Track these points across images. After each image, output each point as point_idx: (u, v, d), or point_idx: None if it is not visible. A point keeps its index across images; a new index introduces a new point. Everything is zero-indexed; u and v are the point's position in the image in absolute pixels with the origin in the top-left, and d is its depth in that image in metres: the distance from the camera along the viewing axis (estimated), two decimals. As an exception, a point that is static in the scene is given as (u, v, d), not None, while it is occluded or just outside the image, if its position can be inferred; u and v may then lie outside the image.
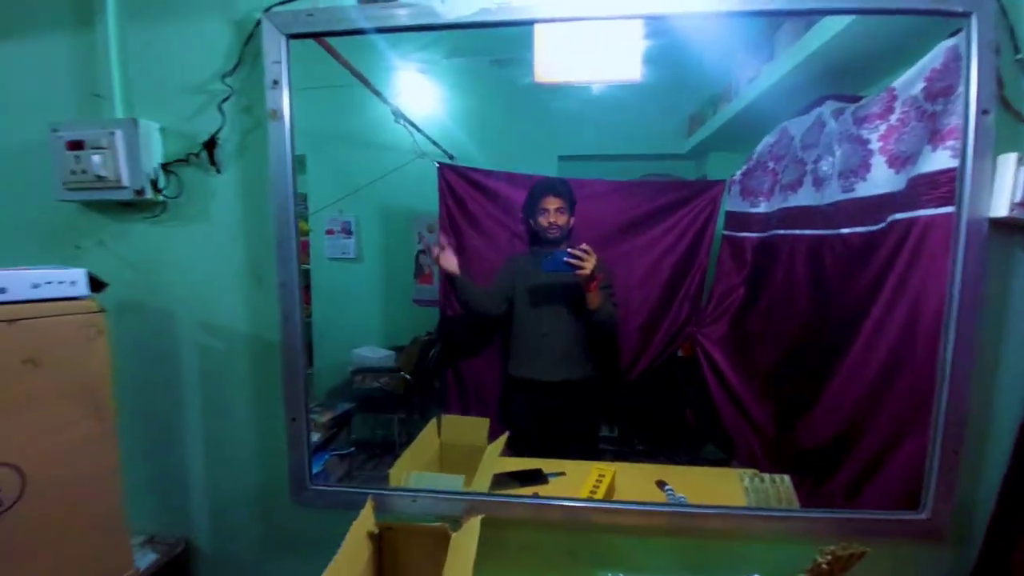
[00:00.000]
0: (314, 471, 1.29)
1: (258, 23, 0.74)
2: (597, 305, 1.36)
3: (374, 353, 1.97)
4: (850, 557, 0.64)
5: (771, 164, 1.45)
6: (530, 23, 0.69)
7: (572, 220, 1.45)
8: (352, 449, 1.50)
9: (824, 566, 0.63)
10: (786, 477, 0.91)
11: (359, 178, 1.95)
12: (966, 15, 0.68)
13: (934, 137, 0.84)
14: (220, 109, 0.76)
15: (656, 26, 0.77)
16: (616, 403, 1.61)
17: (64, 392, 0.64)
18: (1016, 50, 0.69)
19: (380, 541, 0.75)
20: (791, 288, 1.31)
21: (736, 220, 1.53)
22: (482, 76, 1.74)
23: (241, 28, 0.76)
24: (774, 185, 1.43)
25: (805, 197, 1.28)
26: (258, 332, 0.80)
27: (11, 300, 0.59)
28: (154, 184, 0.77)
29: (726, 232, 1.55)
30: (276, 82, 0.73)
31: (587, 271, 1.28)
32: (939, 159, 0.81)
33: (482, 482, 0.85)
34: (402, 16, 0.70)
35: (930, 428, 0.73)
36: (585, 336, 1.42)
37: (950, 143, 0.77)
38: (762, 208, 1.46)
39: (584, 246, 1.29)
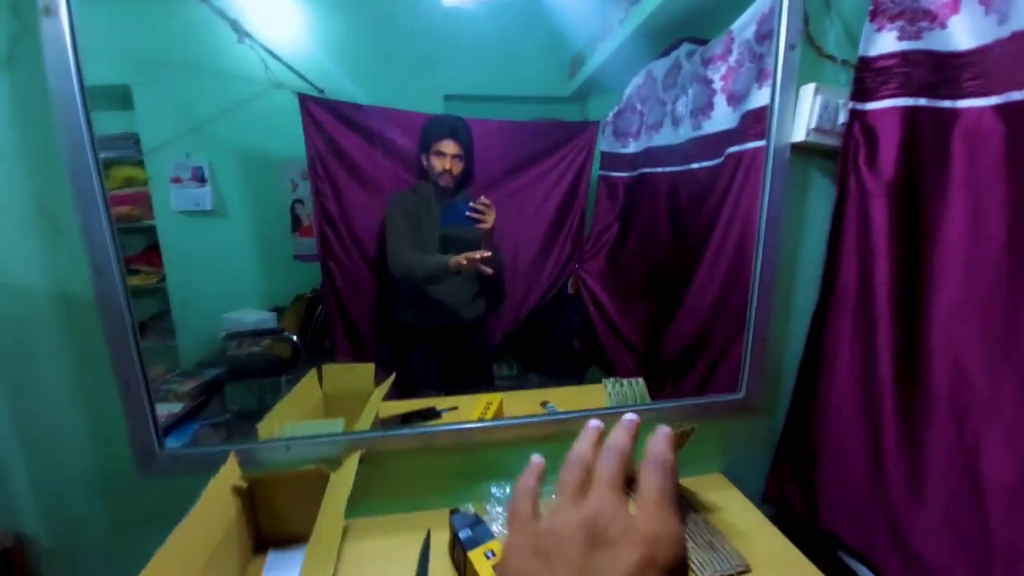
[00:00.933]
0: (182, 443, 1.18)
1: None
2: (496, 261, 1.34)
3: (252, 316, 1.79)
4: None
5: (638, 106, 1.54)
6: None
7: (468, 167, 1.38)
8: (228, 416, 1.38)
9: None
10: (640, 380, 1.04)
11: (206, 115, 1.66)
12: (779, -46, 0.76)
13: (760, 76, 0.94)
14: (-37, 3, 0.58)
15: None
16: (511, 341, 1.67)
17: None
18: (823, -12, 0.78)
19: (251, 495, 0.72)
20: (655, 222, 1.44)
21: (609, 160, 1.62)
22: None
23: None
24: (641, 126, 1.53)
25: (666, 136, 1.38)
26: (64, 289, 0.66)
27: None
28: None
29: (601, 172, 1.63)
30: (40, -34, 0.57)
31: (488, 225, 1.27)
32: (763, 96, 0.91)
33: (366, 424, 0.84)
34: None
35: (745, 325, 0.87)
36: (476, 280, 1.42)
37: (771, 80, 0.88)
38: (631, 148, 1.56)
39: (484, 199, 1.28)
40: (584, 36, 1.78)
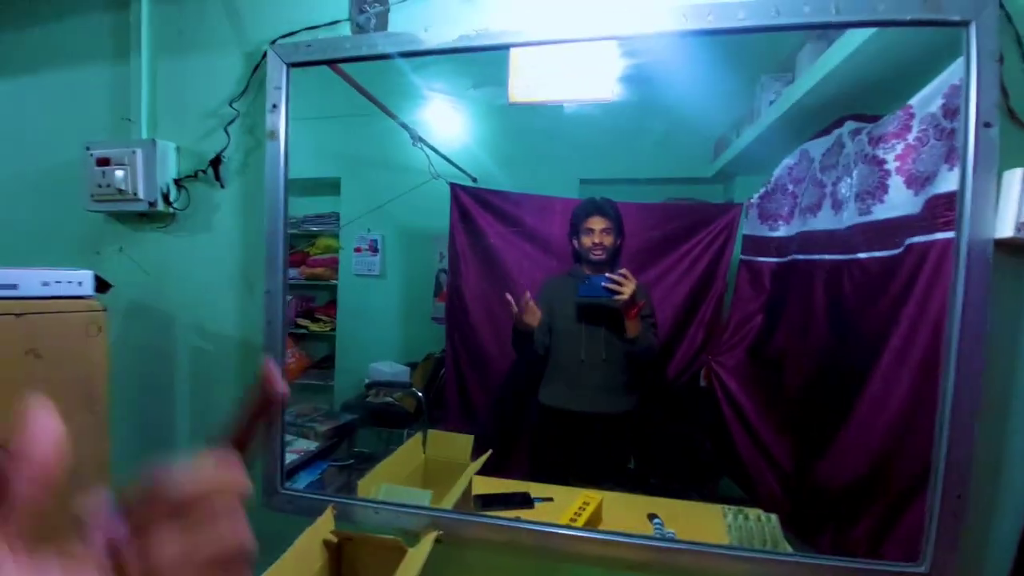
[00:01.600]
0: (309, 479, 1.33)
1: (264, 54, 0.81)
2: (636, 333, 1.30)
3: (390, 368, 2.02)
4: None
5: (790, 187, 1.39)
6: (507, 47, 0.72)
7: (620, 242, 1.39)
8: (351, 460, 1.52)
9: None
10: (773, 516, 0.84)
11: (385, 199, 2.05)
12: (964, 23, 0.64)
13: (951, 155, 0.78)
14: (226, 130, 0.83)
15: (667, 48, 0.75)
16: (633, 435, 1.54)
17: (61, 383, 0.70)
18: (1024, 58, 0.63)
19: (340, 551, 0.76)
20: (810, 316, 1.23)
21: (754, 244, 1.47)
22: (506, 104, 1.81)
23: (251, 59, 0.84)
24: (793, 208, 1.37)
25: (824, 220, 1.21)
26: (246, 336, 0.84)
27: (21, 296, 0.66)
28: (166, 197, 0.85)
29: (743, 257, 1.48)
30: (275, 106, 0.80)
31: (625, 296, 1.24)
32: (956, 178, 0.76)
33: (452, 500, 0.84)
34: (388, 44, 0.75)
35: (930, 468, 0.65)
36: (625, 367, 1.35)
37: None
38: (781, 232, 1.40)
39: (623, 271, 1.25)
40: (731, 118, 1.73)
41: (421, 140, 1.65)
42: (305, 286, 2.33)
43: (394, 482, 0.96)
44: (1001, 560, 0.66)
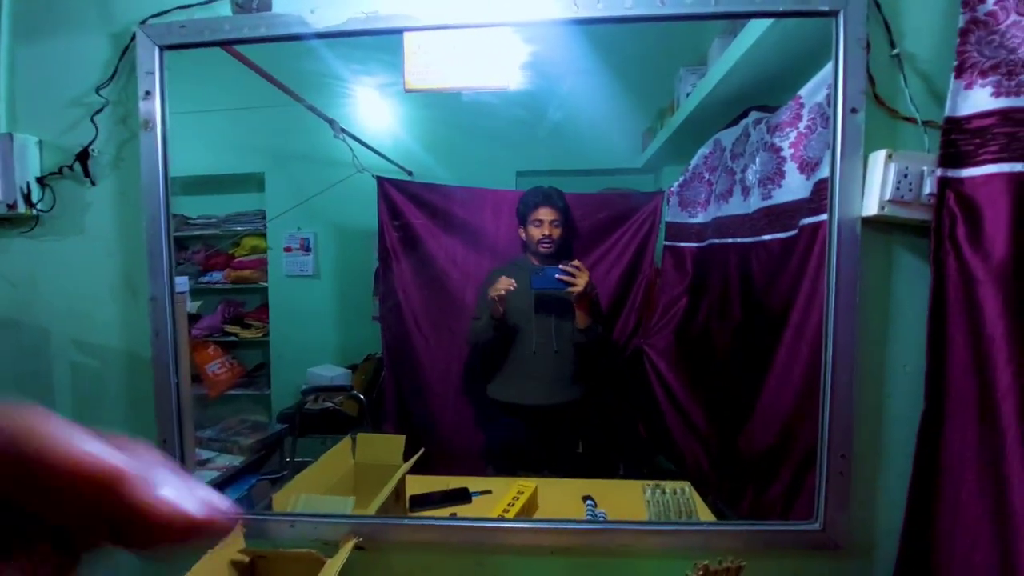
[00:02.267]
0: (235, 497, 1.24)
1: (133, 36, 0.73)
2: (587, 324, 1.31)
3: (329, 372, 1.93)
4: (726, 571, 0.61)
5: (706, 175, 1.46)
6: (398, 31, 0.69)
7: (567, 232, 1.38)
8: (284, 472, 1.45)
9: (696, 584, 0.59)
10: (687, 487, 0.88)
11: (312, 195, 1.95)
12: (833, 13, 0.68)
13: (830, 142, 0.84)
14: (93, 121, 0.75)
15: (602, 37, 0.73)
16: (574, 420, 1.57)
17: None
18: (892, 45, 0.68)
19: (253, 570, 0.71)
20: (727, 296, 1.30)
21: (676, 231, 1.53)
22: (437, 95, 1.76)
23: (119, 41, 0.75)
24: (709, 195, 1.44)
25: (735, 206, 1.28)
26: (132, 348, 0.77)
27: None
28: (27, 197, 0.75)
29: (667, 243, 1.55)
30: (149, 93, 0.73)
31: (579, 288, 1.23)
32: None
33: (376, 505, 0.81)
34: (271, 26, 0.70)
35: (818, 432, 0.70)
36: (574, 357, 1.36)
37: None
38: (699, 218, 1.47)
39: (576, 262, 1.25)
40: (654, 109, 1.79)
41: (344, 131, 1.57)
42: (232, 290, 2.18)
43: (320, 491, 0.92)
44: (890, 515, 0.71)
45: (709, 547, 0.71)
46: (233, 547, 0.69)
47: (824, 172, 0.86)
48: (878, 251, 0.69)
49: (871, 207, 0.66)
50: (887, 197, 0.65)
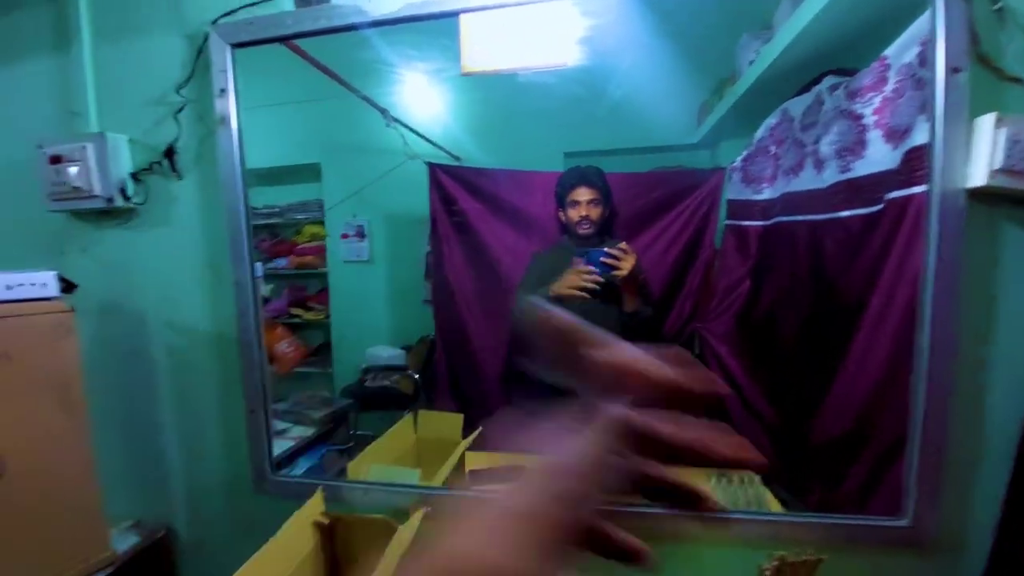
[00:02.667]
0: (309, 465, 1.34)
1: (206, 36, 0.77)
2: (634, 308, 1.27)
3: (386, 352, 2.02)
4: (804, 564, 0.58)
5: (772, 148, 1.36)
6: (455, 14, 0.69)
7: (609, 213, 1.34)
8: (351, 444, 1.54)
9: (769, 574, 0.58)
10: (756, 478, 0.85)
11: (366, 184, 2.02)
12: (928, -37, 0.61)
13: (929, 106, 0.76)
14: (176, 119, 0.81)
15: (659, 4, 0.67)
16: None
17: (35, 386, 0.70)
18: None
19: (331, 532, 0.77)
20: (796, 279, 1.22)
21: (739, 209, 1.45)
22: (483, 78, 1.75)
23: (193, 41, 0.80)
24: (776, 170, 1.34)
25: (806, 180, 1.19)
26: (219, 329, 0.84)
27: (-16, 300, 0.65)
28: (123, 192, 0.83)
29: (729, 222, 1.47)
30: (223, 90, 0.77)
31: (624, 272, 1.19)
32: None
33: (442, 477, 0.85)
34: (331, 18, 0.72)
35: (909, 423, 0.65)
36: (619, 332, 1.35)
37: (935, 112, 0.69)
38: (765, 195, 1.38)
39: (623, 245, 1.21)
40: (714, 82, 1.69)
41: (395, 120, 1.60)
42: (295, 275, 2.32)
43: (385, 463, 0.98)
44: (984, 513, 0.66)
45: (780, 538, 0.68)
46: (315, 510, 0.74)
47: (915, 140, 0.78)
48: (983, 226, 0.62)
49: (978, 177, 0.59)
50: (997, 166, 0.57)
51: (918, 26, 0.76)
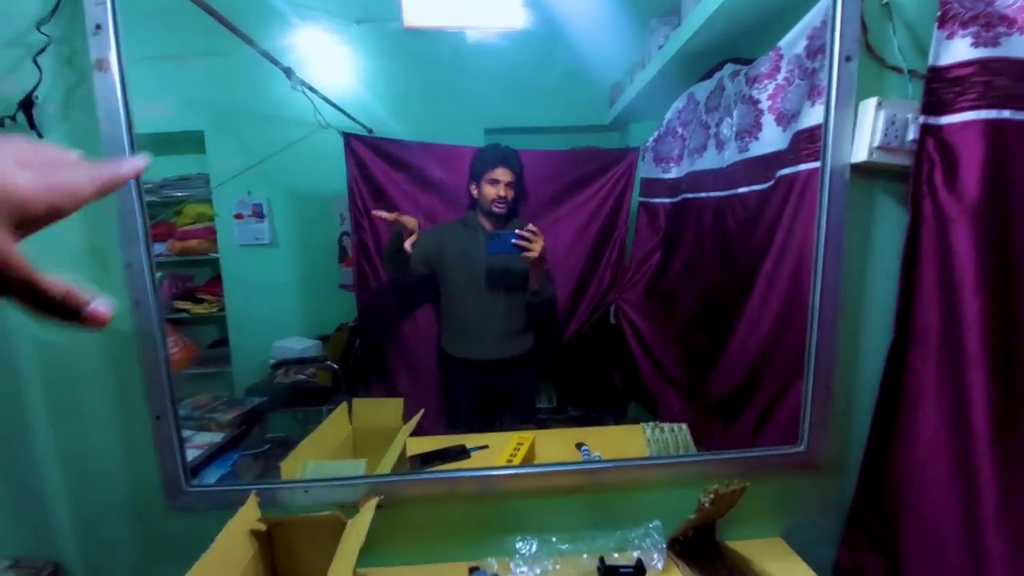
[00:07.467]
0: (220, 473, 1.20)
1: (72, -42, 0.62)
2: (539, 286, 1.32)
3: (299, 344, 1.86)
4: (732, 493, 0.67)
5: (679, 130, 1.48)
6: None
7: (518, 195, 1.36)
8: (267, 446, 1.41)
9: (707, 504, 0.65)
10: (683, 425, 0.95)
11: (264, 155, 1.79)
12: (828, -39, 0.70)
13: (813, 93, 0.87)
14: (35, 62, 0.64)
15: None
16: (550, 372, 1.61)
17: None
18: (882, -6, 0.70)
19: (271, 538, 0.70)
20: (700, 250, 1.35)
21: (650, 186, 1.56)
22: (399, 44, 1.63)
23: (55, -35, 0.64)
24: (683, 150, 1.46)
25: (710, 160, 1.31)
26: (109, 325, 0.70)
27: None
28: (-45, 155, 0.64)
29: (641, 199, 1.58)
30: (99, 26, 0.62)
31: (535, 254, 1.22)
32: (816, 114, 0.84)
33: (388, 465, 0.82)
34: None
35: (804, 366, 0.77)
36: (524, 312, 1.38)
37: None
38: (673, 174, 1.50)
39: (532, 227, 1.23)
40: (623, 64, 1.77)
41: (303, 83, 1.44)
42: (178, 263, 2.01)
43: (320, 458, 0.91)
44: (860, 436, 0.80)
45: (708, 475, 0.77)
46: (250, 516, 0.67)
47: (802, 124, 0.90)
48: (863, 196, 0.74)
49: (860, 153, 0.70)
50: (876, 144, 0.69)
51: (806, 21, 0.87)
